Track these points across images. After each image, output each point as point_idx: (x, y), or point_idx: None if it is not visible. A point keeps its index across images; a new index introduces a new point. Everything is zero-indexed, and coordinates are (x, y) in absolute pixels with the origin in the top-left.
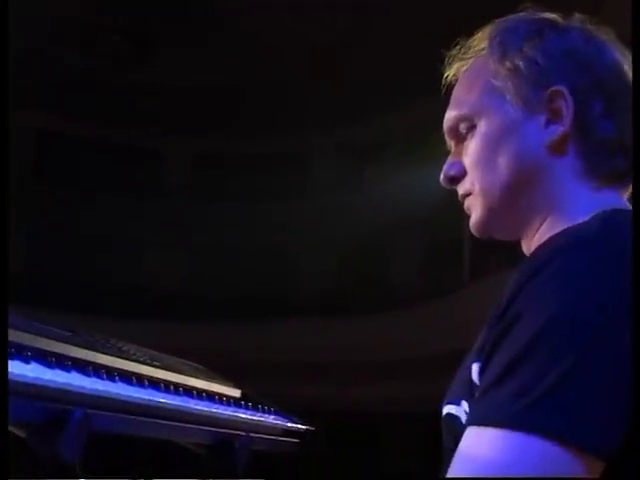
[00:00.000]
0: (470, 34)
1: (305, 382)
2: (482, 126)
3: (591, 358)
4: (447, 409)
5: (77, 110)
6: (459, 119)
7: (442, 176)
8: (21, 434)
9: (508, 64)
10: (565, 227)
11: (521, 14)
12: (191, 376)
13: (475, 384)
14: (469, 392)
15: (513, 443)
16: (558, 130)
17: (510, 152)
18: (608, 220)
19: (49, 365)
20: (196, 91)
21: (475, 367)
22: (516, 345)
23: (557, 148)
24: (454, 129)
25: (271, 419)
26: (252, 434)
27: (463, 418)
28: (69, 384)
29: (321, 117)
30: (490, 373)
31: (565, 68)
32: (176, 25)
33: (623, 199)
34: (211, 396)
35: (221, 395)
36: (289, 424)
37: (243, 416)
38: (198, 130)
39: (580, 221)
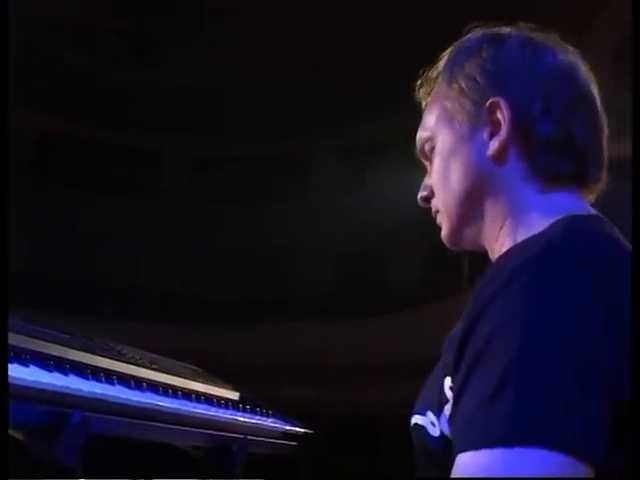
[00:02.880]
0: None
1: (304, 385)
2: (438, 146)
3: (579, 367)
4: (414, 419)
5: (77, 111)
6: (423, 141)
7: (418, 198)
8: (20, 437)
9: (455, 86)
10: (523, 233)
11: (471, 34)
12: (190, 379)
13: (446, 397)
14: (437, 404)
15: (529, 459)
16: (498, 139)
17: (459, 168)
18: (568, 227)
19: (48, 368)
20: (195, 92)
21: (448, 381)
22: (499, 362)
23: (499, 157)
24: (422, 151)
25: (269, 422)
26: (250, 437)
27: (429, 428)
28: (67, 387)
29: (321, 119)
30: (475, 393)
31: (502, 80)
32: (176, 26)
33: (581, 202)
34: (209, 399)
35: (219, 398)
36: (287, 427)
37: (241, 419)
38: (198, 131)
39: (536, 225)
